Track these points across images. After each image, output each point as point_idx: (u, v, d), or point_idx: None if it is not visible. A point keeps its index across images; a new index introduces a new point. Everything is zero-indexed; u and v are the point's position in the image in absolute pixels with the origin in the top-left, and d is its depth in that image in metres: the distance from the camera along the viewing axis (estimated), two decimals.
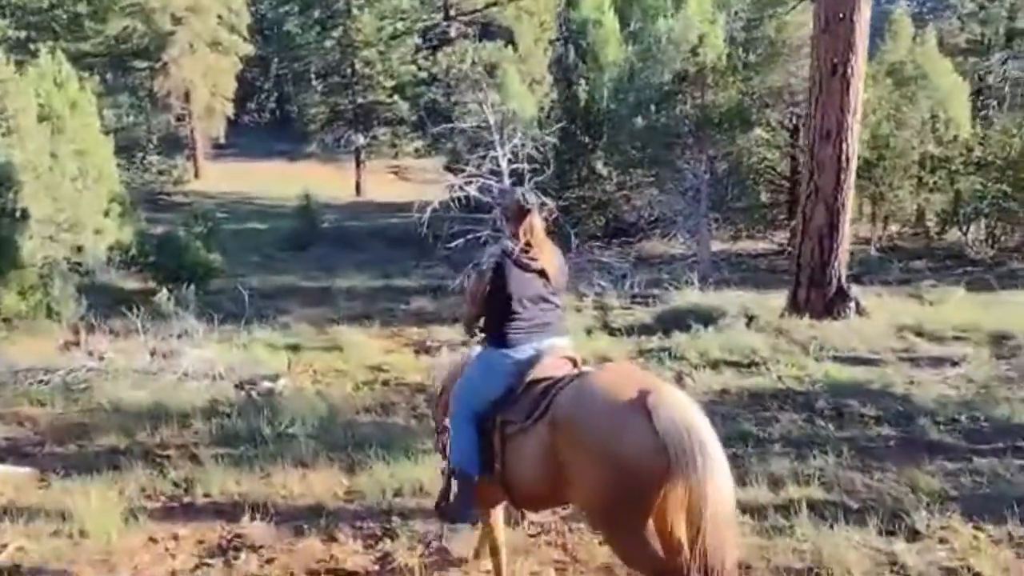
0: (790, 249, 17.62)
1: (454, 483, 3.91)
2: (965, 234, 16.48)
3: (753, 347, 9.19)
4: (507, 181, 11.96)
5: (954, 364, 8.16)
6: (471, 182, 11.59)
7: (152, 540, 4.85)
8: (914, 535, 4.44)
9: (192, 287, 11.52)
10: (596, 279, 14.19)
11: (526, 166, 11.93)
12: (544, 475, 3.51)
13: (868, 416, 6.60)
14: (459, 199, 11.40)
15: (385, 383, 8.75)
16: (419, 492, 5.26)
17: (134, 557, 4.65)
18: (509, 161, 11.96)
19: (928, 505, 4.70)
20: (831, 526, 4.52)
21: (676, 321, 10.44)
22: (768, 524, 4.60)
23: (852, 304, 10.34)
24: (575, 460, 3.33)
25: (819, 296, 10.39)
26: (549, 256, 3.91)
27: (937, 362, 8.31)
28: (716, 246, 17.27)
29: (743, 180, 17.00)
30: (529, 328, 3.85)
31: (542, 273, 3.87)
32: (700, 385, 7.84)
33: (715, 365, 8.60)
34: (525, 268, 3.85)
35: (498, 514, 4.12)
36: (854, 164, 10.32)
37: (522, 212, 3.90)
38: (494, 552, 4.15)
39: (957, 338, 9.24)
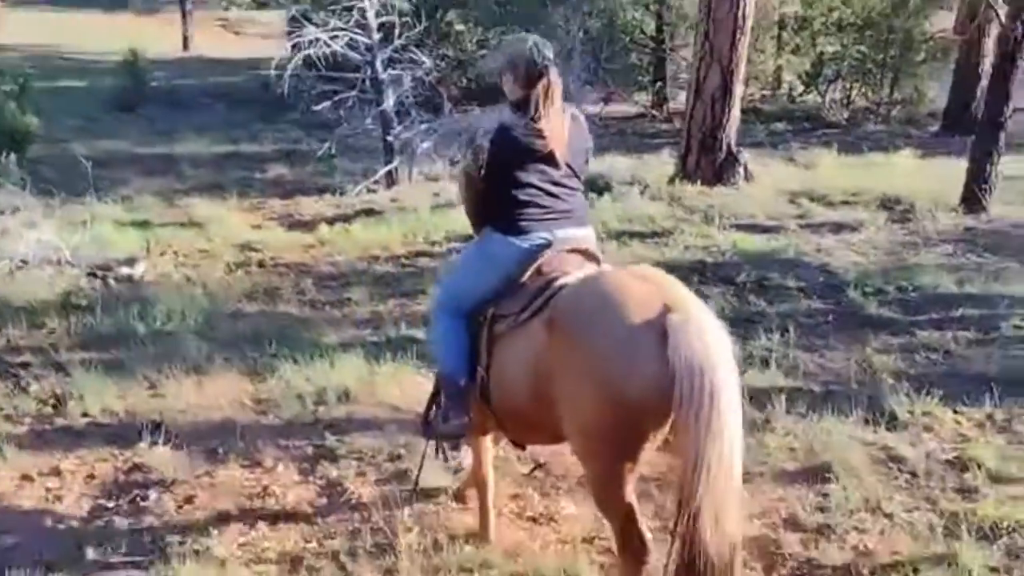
0: (654, 113, 17.47)
1: (442, 392, 3.30)
2: (823, 96, 16.68)
3: (651, 216, 8.89)
4: (375, 36, 10.76)
5: (854, 230, 8.15)
6: (336, 36, 10.33)
7: (25, 478, 3.96)
8: (893, 421, 4.23)
9: (12, 155, 9.82)
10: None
11: (397, 19, 10.75)
12: (529, 384, 2.93)
13: (793, 288, 6.42)
14: (320, 57, 10.15)
15: (261, 264, 7.79)
16: (346, 400, 4.58)
17: (2, 502, 3.78)
18: (377, 13, 10.72)
19: (904, 391, 4.49)
20: (808, 417, 4.25)
21: None
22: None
23: (741, 170, 10.15)
24: (566, 372, 2.76)
25: (709, 162, 10.10)
26: (561, 131, 3.18)
27: (837, 228, 8.24)
28: (588, 109, 16.70)
29: (614, 40, 16.34)
30: (543, 215, 3.19)
31: (552, 154, 3.16)
32: (612, 259, 7.44)
33: (619, 236, 8.21)
34: (531, 147, 3.13)
35: (487, 442, 3.52)
36: (750, 24, 9.91)
37: (533, 72, 3.14)
38: (480, 486, 3.54)
39: (847, 203, 9.25)
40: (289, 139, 15.23)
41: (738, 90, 10.14)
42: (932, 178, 9.94)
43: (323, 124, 12.62)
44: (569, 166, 3.22)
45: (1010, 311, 5.68)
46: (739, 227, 8.38)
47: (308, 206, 10.46)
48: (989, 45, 12.81)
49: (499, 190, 3.17)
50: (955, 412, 4.33)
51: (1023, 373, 4.77)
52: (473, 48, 17.89)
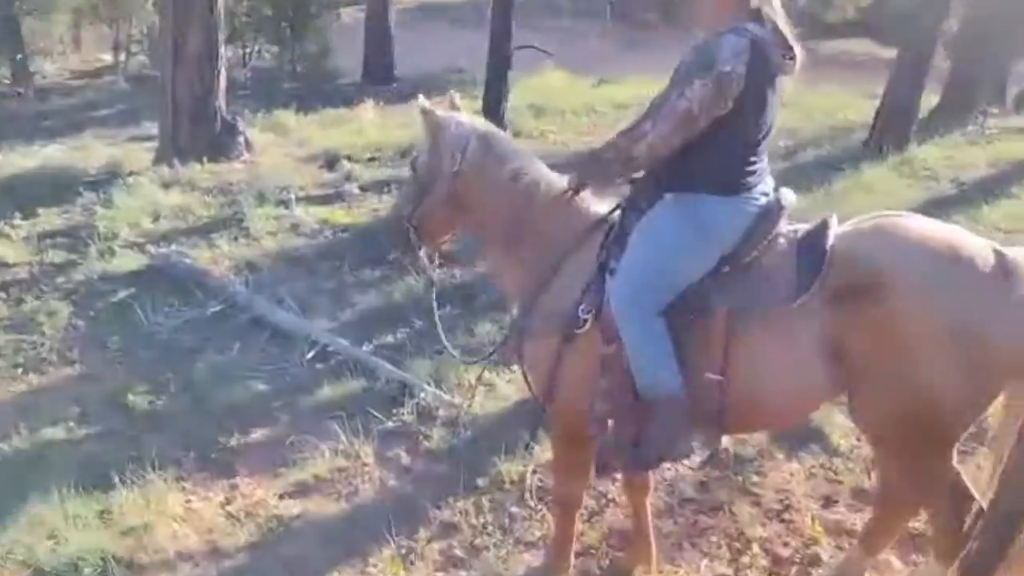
0: (19, 91, 14.30)
1: (656, 415, 2.52)
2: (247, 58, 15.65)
3: (191, 205, 7.34)
4: None
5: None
6: None
7: None
8: None
9: None
10: None
11: None
12: (812, 373, 2.46)
13: None
14: None
15: None
16: None
17: None
18: None
19: None
20: None
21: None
22: None
23: (242, 140, 8.99)
24: (887, 335, 2.35)
25: (204, 135, 8.70)
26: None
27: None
28: None
29: None
30: (761, 166, 2.55)
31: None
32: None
33: (190, 234, 6.70)
34: (777, 71, 2.45)
35: None
36: None
37: None
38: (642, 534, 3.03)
39: (373, 158, 8.91)
40: None
41: (224, 50, 8.87)
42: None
43: None
44: None
45: None
46: (311, 199, 7.49)
47: None
48: None
49: (742, 121, 2.43)
50: None
51: None
52: None
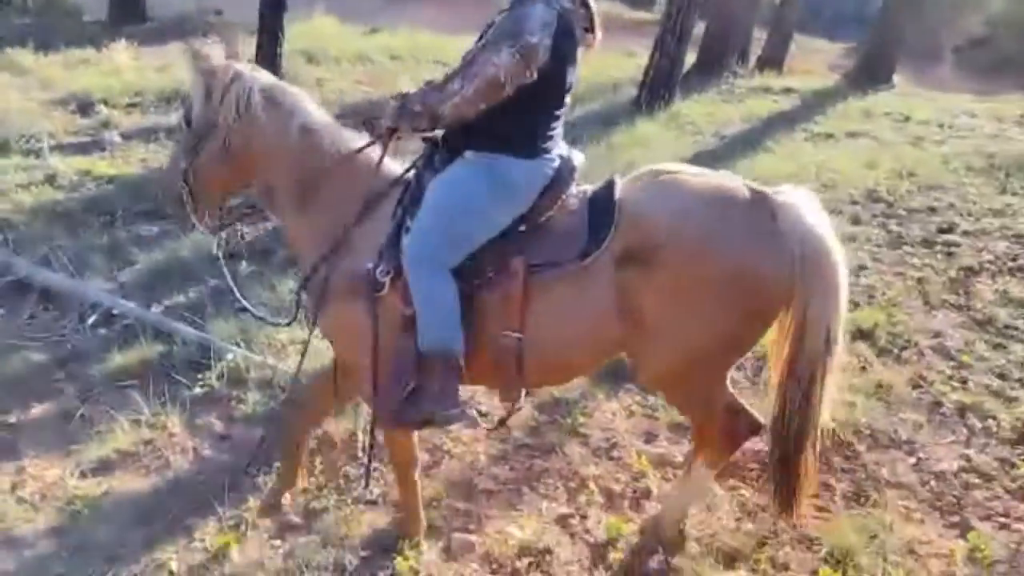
0: None
1: (431, 371, 2.54)
2: None
3: None
4: None
5: None
6: None
7: None
8: None
9: None
10: None
11: None
12: (606, 328, 2.56)
13: None
14: None
15: None
16: None
17: None
18: None
19: None
20: None
21: None
22: None
23: None
24: (673, 292, 2.48)
25: None
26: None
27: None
28: None
29: None
30: (557, 130, 2.63)
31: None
32: None
33: None
34: (578, 42, 2.57)
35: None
36: None
37: None
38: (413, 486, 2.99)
39: (133, 104, 8.17)
40: None
41: None
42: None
43: None
44: None
45: None
46: (65, 148, 6.73)
47: None
48: None
49: (547, 85, 2.50)
50: None
51: None
52: None
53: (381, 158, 2.67)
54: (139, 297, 4.66)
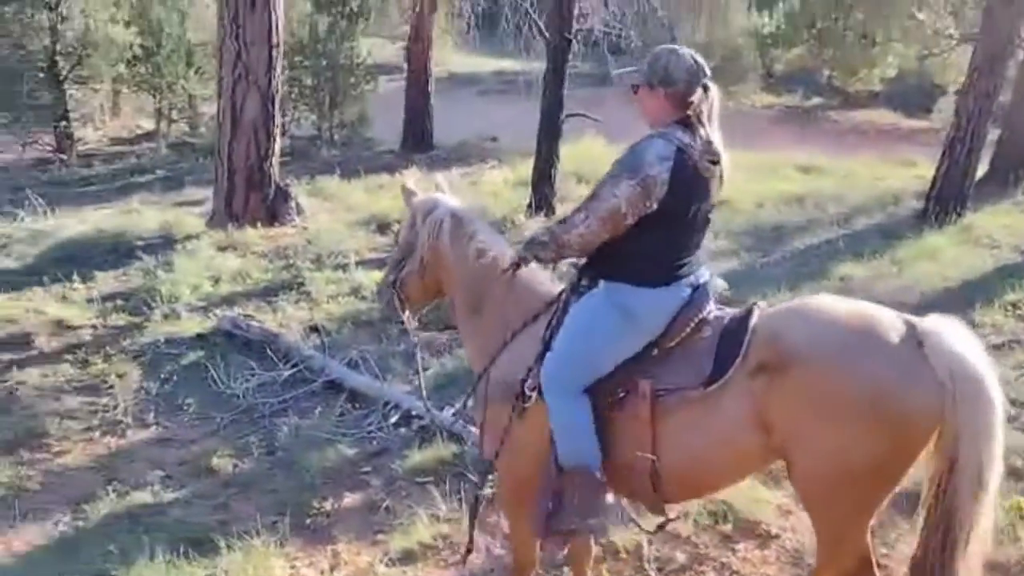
0: (63, 156, 14.44)
1: (572, 484, 2.69)
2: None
3: (241, 270, 7.34)
4: None
5: None
6: None
7: None
8: None
9: None
10: None
11: None
12: (739, 450, 2.59)
13: None
14: None
15: None
16: None
17: None
18: None
19: None
20: None
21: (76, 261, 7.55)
22: None
23: (294, 205, 9.03)
24: (808, 403, 2.43)
25: (259, 200, 8.78)
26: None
27: None
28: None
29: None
30: (690, 259, 2.72)
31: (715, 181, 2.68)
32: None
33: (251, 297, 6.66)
34: (705, 175, 2.62)
35: None
36: (283, 37, 8.82)
37: (695, 84, 2.61)
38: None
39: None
40: None
41: (279, 117, 8.97)
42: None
43: None
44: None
45: None
46: (366, 263, 7.46)
47: None
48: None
49: (666, 220, 2.60)
50: None
51: None
52: None
53: (541, 281, 2.98)
54: (433, 399, 4.99)
